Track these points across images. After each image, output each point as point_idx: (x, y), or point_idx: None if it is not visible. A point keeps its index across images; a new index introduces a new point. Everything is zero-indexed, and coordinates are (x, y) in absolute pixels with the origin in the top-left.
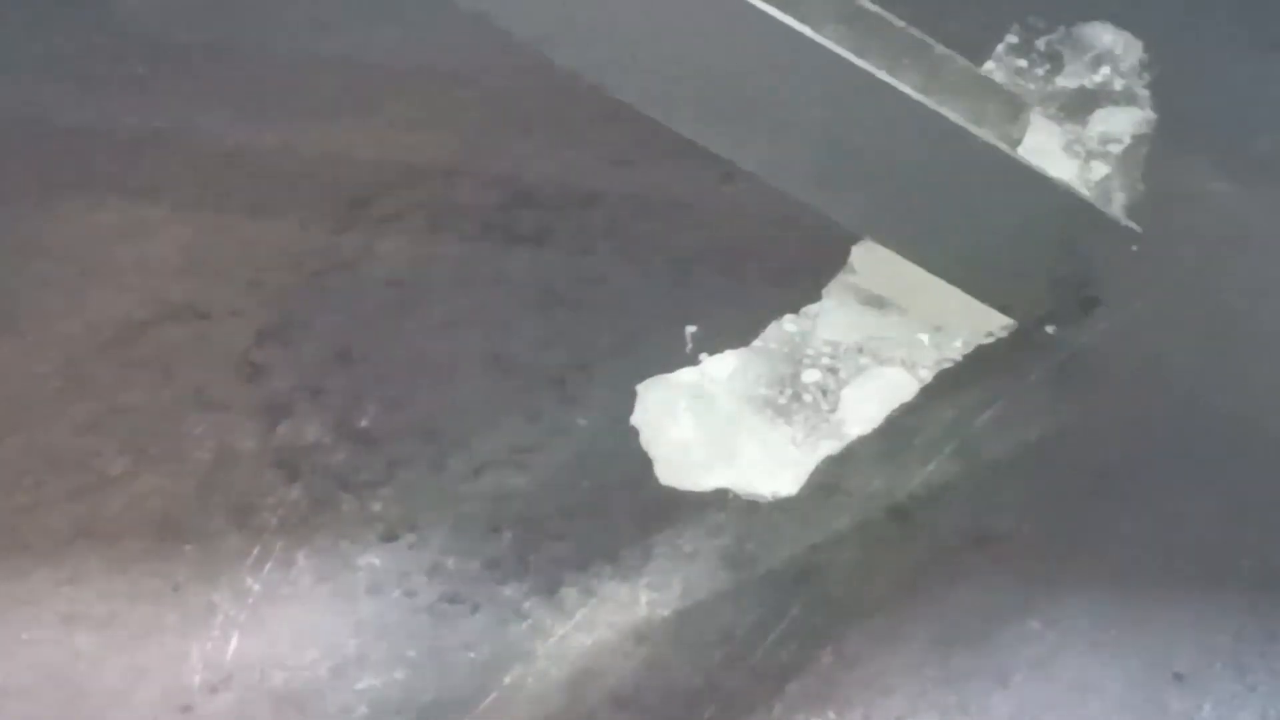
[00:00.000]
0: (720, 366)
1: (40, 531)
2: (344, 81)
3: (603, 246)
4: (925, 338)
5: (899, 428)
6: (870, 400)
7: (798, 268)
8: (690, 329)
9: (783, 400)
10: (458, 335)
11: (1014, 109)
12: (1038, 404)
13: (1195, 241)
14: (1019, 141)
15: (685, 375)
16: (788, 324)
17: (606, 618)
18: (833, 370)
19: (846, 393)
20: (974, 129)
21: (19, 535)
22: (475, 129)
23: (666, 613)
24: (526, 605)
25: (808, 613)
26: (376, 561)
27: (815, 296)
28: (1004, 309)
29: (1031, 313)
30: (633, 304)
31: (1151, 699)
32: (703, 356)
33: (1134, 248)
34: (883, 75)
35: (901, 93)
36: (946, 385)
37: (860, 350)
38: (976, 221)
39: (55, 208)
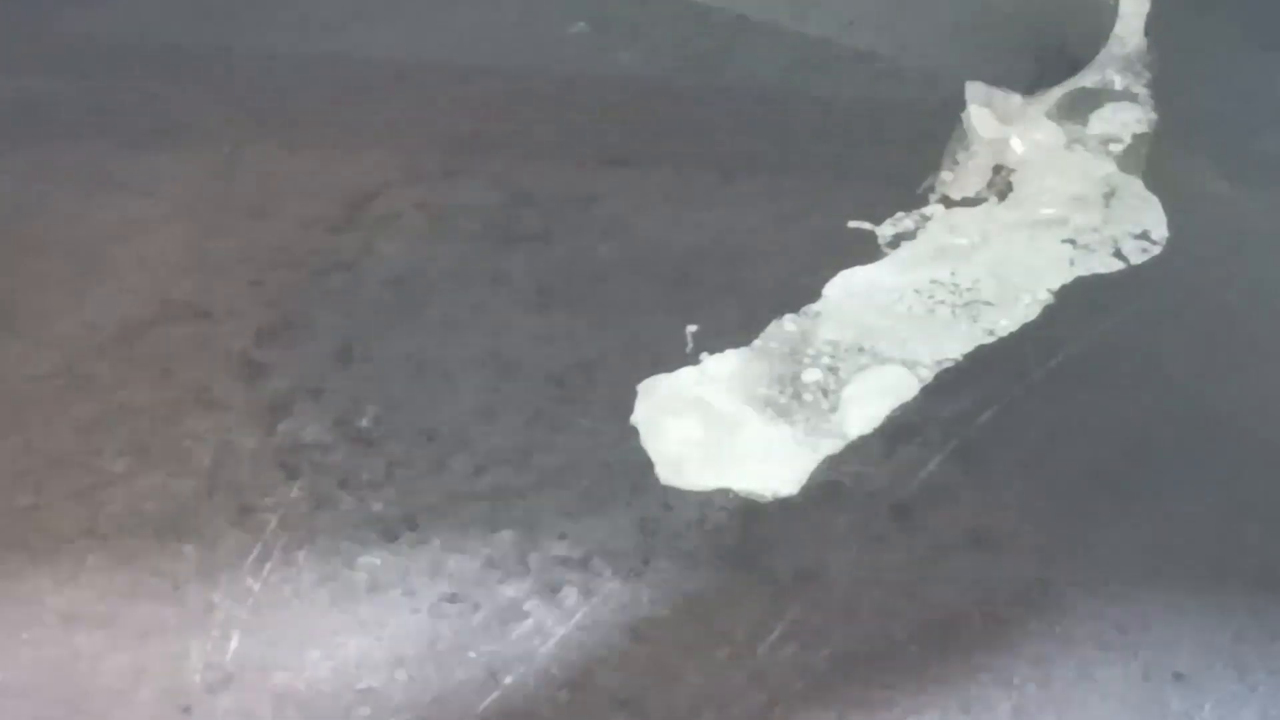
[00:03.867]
0: (721, 366)
1: (41, 531)
2: (344, 81)
3: (603, 246)
4: None
5: (899, 427)
6: (870, 400)
7: (798, 268)
8: (691, 328)
9: (783, 400)
10: (458, 335)
11: None
12: (1038, 404)
13: (1195, 241)
14: None
15: (686, 375)
16: (788, 323)
17: (606, 618)
18: (833, 370)
19: (847, 392)
20: None
21: (19, 535)
22: (475, 129)
23: (666, 613)
24: (526, 605)
25: (808, 613)
26: (377, 561)
27: (815, 296)
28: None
29: (1020, 79)
30: (633, 304)
31: (1152, 699)
32: (703, 356)
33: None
34: None
35: None
36: (946, 385)
37: (861, 349)
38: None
39: (55, 207)
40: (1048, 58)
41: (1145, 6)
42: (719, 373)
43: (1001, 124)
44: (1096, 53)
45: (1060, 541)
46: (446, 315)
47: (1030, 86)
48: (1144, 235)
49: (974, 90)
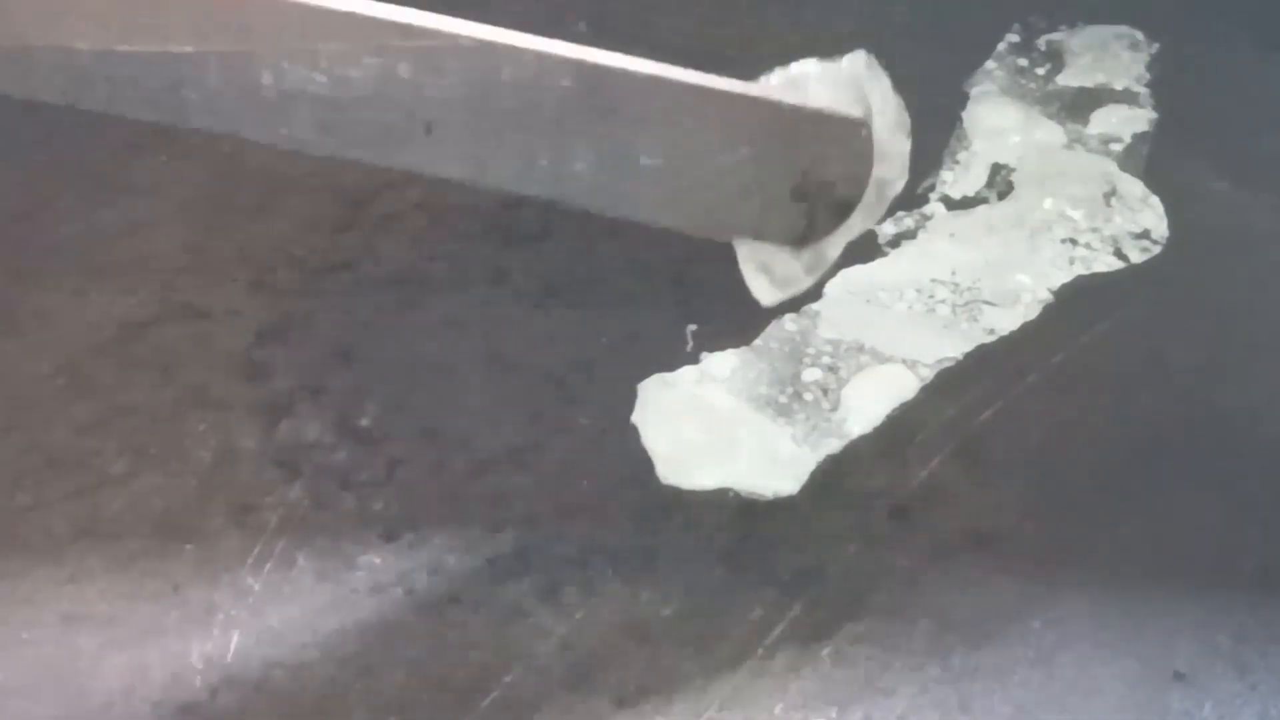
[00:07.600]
0: (721, 365)
1: (40, 531)
2: None
3: (603, 246)
4: None
5: (899, 427)
6: (871, 399)
7: None
8: (691, 328)
9: (783, 399)
10: (458, 335)
11: None
12: (1038, 404)
13: (1195, 241)
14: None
15: (686, 374)
16: (788, 323)
17: (606, 617)
18: (833, 369)
19: (847, 391)
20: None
21: (19, 535)
22: None
23: (667, 612)
24: (526, 605)
25: (808, 613)
26: (377, 561)
27: (816, 295)
28: (761, 237)
29: (789, 234)
30: (633, 303)
31: (1152, 699)
32: (703, 355)
33: (863, 133)
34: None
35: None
36: (947, 384)
37: (861, 349)
38: (705, 163)
39: (55, 207)
40: (816, 205)
41: (906, 146)
42: (719, 372)
43: (779, 289)
44: (863, 192)
45: (1060, 541)
46: (446, 315)
47: (802, 238)
48: (1144, 235)
49: (745, 250)
